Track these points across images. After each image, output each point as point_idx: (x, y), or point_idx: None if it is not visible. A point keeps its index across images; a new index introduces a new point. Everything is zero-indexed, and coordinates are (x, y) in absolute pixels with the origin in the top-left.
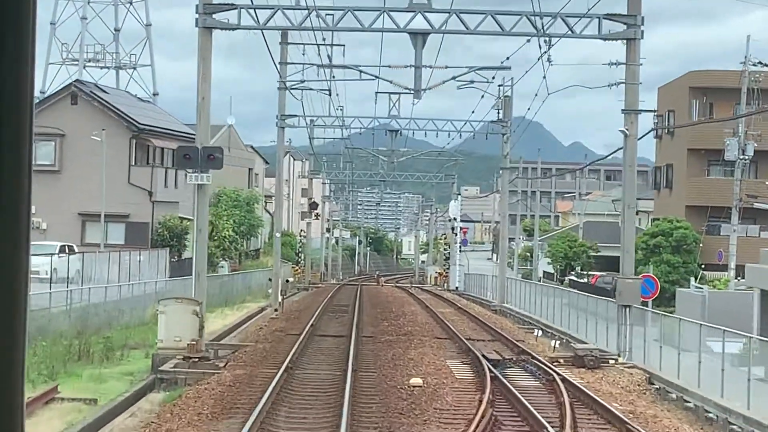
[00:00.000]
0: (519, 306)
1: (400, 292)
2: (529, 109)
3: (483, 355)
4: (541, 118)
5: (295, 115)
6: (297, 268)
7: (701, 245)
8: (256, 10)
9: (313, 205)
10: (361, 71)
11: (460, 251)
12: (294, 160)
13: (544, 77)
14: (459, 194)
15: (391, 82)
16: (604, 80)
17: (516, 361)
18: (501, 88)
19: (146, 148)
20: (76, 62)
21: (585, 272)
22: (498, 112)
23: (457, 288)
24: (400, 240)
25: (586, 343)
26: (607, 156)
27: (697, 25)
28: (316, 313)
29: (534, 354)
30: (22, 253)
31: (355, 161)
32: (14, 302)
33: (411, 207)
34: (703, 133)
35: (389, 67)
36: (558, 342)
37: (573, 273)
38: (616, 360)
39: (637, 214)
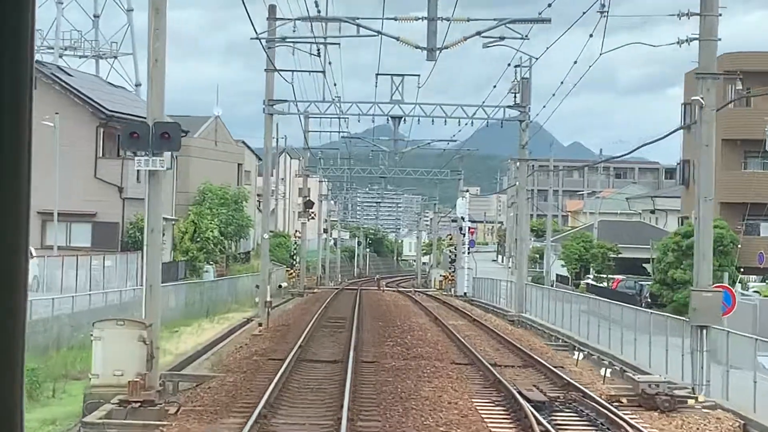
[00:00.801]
0: (541, 316)
1: (404, 298)
2: (537, 114)
3: (519, 392)
4: (540, 118)
5: (285, 101)
6: (291, 271)
7: (739, 246)
8: None
9: (308, 204)
10: (359, 26)
11: (468, 253)
12: (291, 158)
13: (591, 35)
14: (467, 191)
15: (397, 39)
16: (607, 77)
17: (565, 401)
18: (518, 69)
19: (116, 138)
20: (52, 50)
21: (605, 276)
22: (515, 97)
23: (465, 294)
24: (400, 241)
25: (640, 369)
26: (655, 141)
27: (696, 26)
28: (308, 327)
29: (584, 389)
30: (21, 255)
31: (354, 158)
32: (13, 304)
33: (412, 207)
34: (739, 122)
35: (395, 20)
36: (609, 370)
37: (590, 276)
38: (696, 398)
39: (653, 212)
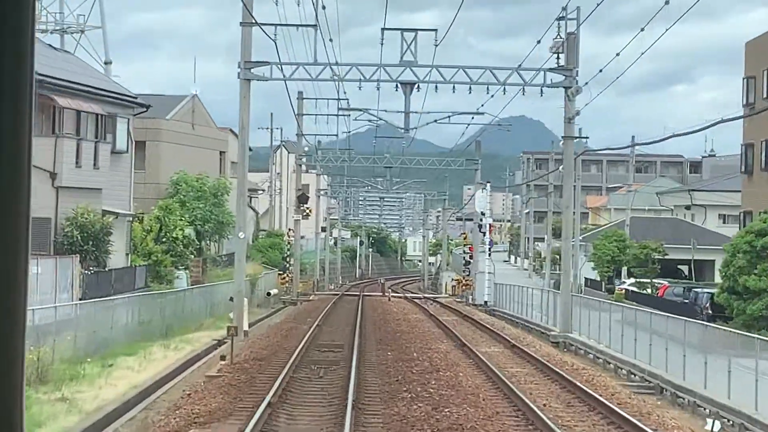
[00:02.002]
0: (596, 338)
1: (414, 310)
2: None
3: None
4: (542, 117)
5: (266, 63)
6: (284, 276)
7: None
8: None
9: (302, 198)
10: None
11: (489, 255)
12: (288, 152)
13: (643, 29)
14: (489, 182)
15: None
16: (608, 76)
17: None
18: (562, 23)
19: (50, 110)
20: None
21: (647, 281)
22: (558, 57)
23: (486, 303)
24: (404, 240)
25: None
26: (720, 122)
27: (697, 25)
28: (290, 362)
29: None
30: (21, 255)
31: (356, 151)
32: (14, 303)
33: (416, 205)
34: None
35: None
36: None
37: (625, 281)
38: None
39: (689, 208)
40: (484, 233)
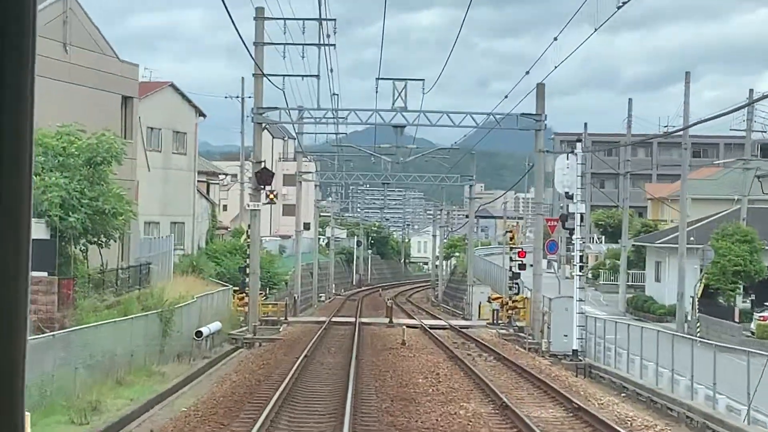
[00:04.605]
0: None
1: (453, 370)
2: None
3: None
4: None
5: None
6: (242, 298)
7: None
8: None
9: (262, 175)
10: None
11: (581, 269)
12: (273, 137)
13: None
14: (579, 140)
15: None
16: (608, 75)
17: None
18: None
19: None
20: None
21: None
22: None
23: (576, 353)
24: (407, 240)
25: None
26: None
27: (700, 24)
28: None
29: None
30: (23, 254)
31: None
32: (15, 303)
33: (421, 202)
34: None
35: None
36: None
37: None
38: None
39: None
40: (571, 231)
